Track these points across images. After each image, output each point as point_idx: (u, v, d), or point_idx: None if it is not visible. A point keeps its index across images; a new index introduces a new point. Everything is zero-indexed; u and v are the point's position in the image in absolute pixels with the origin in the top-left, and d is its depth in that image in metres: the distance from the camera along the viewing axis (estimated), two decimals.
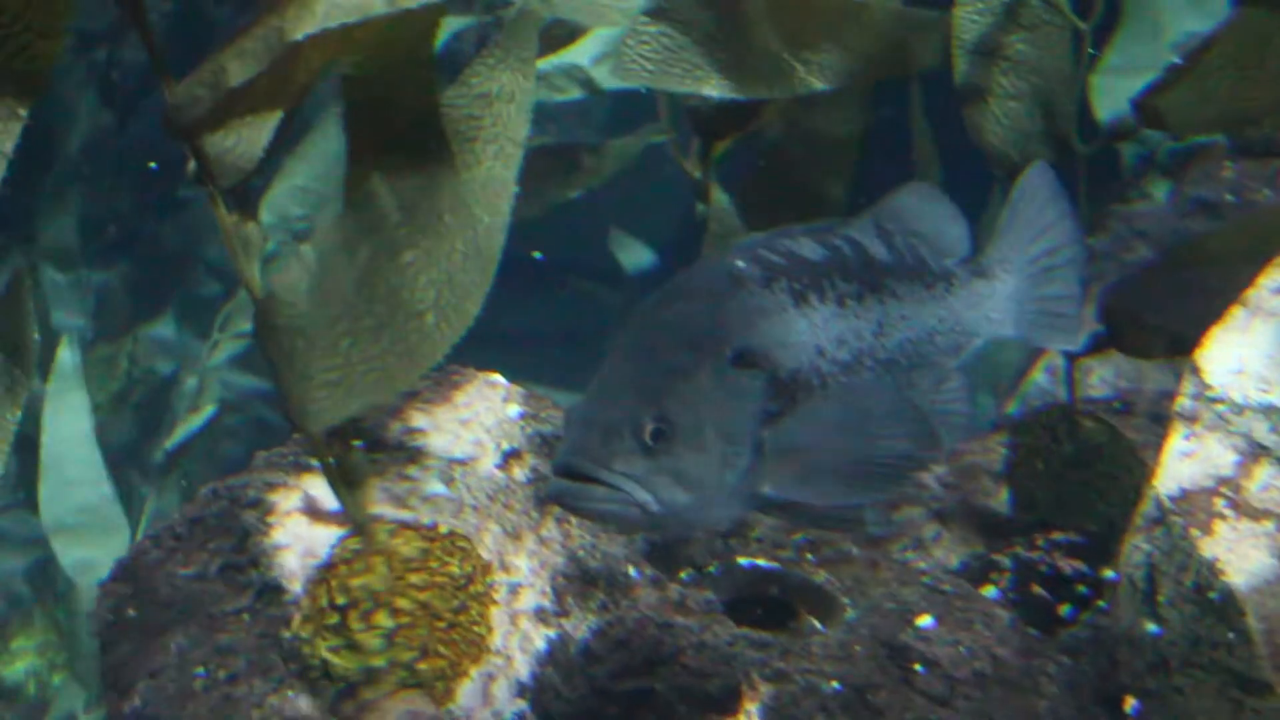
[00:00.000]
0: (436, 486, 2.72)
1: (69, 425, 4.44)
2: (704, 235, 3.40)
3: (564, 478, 1.97)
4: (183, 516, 2.66)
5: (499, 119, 2.45)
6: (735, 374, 2.06)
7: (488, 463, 2.78)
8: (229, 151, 2.27)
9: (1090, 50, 3.26)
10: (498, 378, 2.99)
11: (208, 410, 4.96)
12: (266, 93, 2.23)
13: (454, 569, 2.54)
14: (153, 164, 5.23)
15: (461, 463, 2.76)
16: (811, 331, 2.16)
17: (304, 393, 2.37)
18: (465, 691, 2.47)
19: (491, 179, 2.45)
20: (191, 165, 2.29)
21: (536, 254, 4.94)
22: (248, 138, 2.28)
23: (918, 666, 2.44)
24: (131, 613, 2.57)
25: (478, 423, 2.85)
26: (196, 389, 5.00)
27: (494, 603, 2.54)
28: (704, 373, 2.04)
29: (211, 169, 2.27)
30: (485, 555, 2.58)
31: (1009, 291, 2.44)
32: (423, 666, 2.47)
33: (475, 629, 2.51)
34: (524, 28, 2.46)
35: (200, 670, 2.48)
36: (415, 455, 2.77)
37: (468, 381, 2.94)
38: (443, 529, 2.59)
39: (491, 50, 2.44)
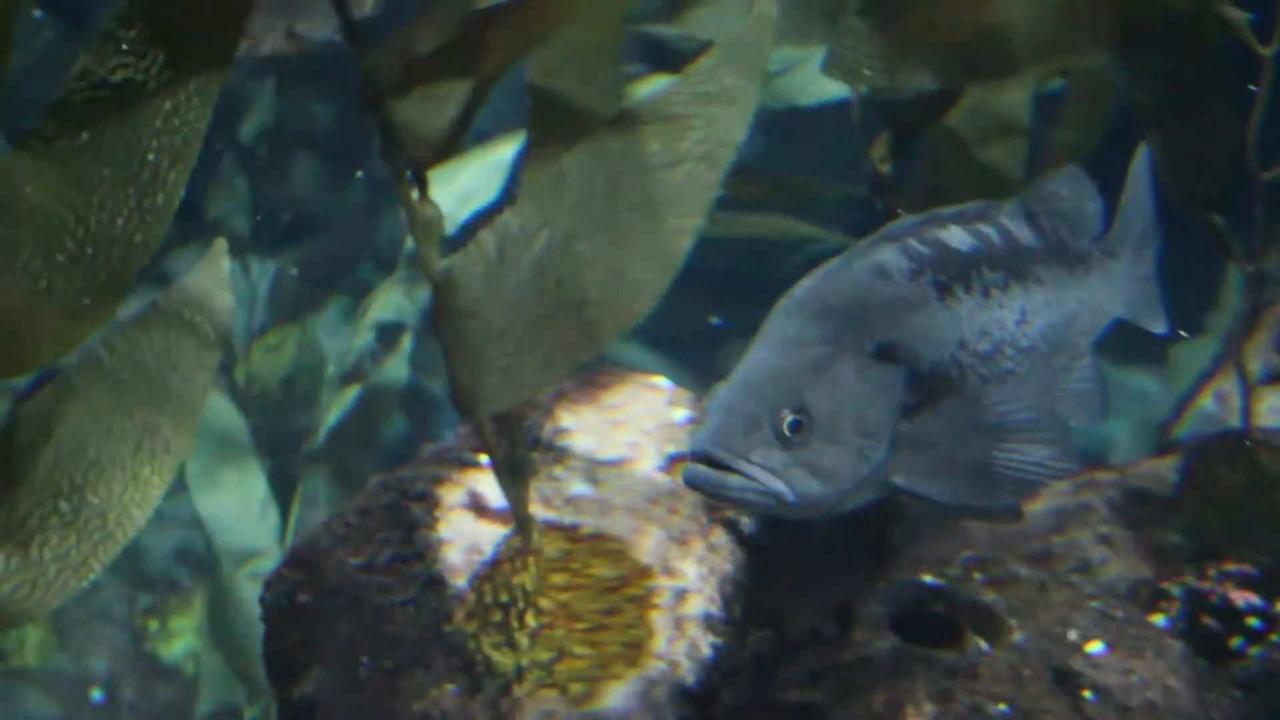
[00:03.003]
0: (581, 488, 2.72)
1: (218, 413, 4.52)
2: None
3: (701, 464, 2.00)
4: (354, 506, 2.69)
5: (713, 121, 2.44)
6: (876, 368, 2.07)
7: (645, 465, 2.77)
8: (416, 123, 2.29)
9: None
10: (660, 380, 2.98)
11: (352, 395, 5.01)
12: (454, 64, 2.25)
13: (599, 571, 2.54)
14: (328, 151, 5.31)
15: (611, 464, 2.76)
16: (954, 324, 2.16)
17: (474, 378, 2.39)
18: (614, 694, 2.46)
19: (691, 181, 2.44)
20: (379, 139, 2.31)
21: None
22: (435, 110, 2.29)
23: (1087, 693, 2.39)
24: (302, 599, 2.60)
25: (632, 424, 2.84)
26: (344, 376, 5.06)
27: (654, 607, 2.53)
28: (845, 366, 2.05)
29: (399, 139, 2.29)
30: (643, 558, 2.57)
31: (1126, 270, 2.45)
32: (560, 667, 2.47)
33: (631, 632, 2.50)
34: (758, 31, 2.44)
35: (366, 660, 2.51)
36: (561, 455, 2.77)
37: (618, 382, 2.94)
38: (586, 530, 2.59)
39: (717, 51, 2.43)
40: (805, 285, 2.17)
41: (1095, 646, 2.47)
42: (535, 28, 2.25)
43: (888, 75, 2.94)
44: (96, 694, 4.70)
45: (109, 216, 2.12)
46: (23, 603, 2.22)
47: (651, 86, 2.61)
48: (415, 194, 2.33)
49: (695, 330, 4.67)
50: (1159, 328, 2.56)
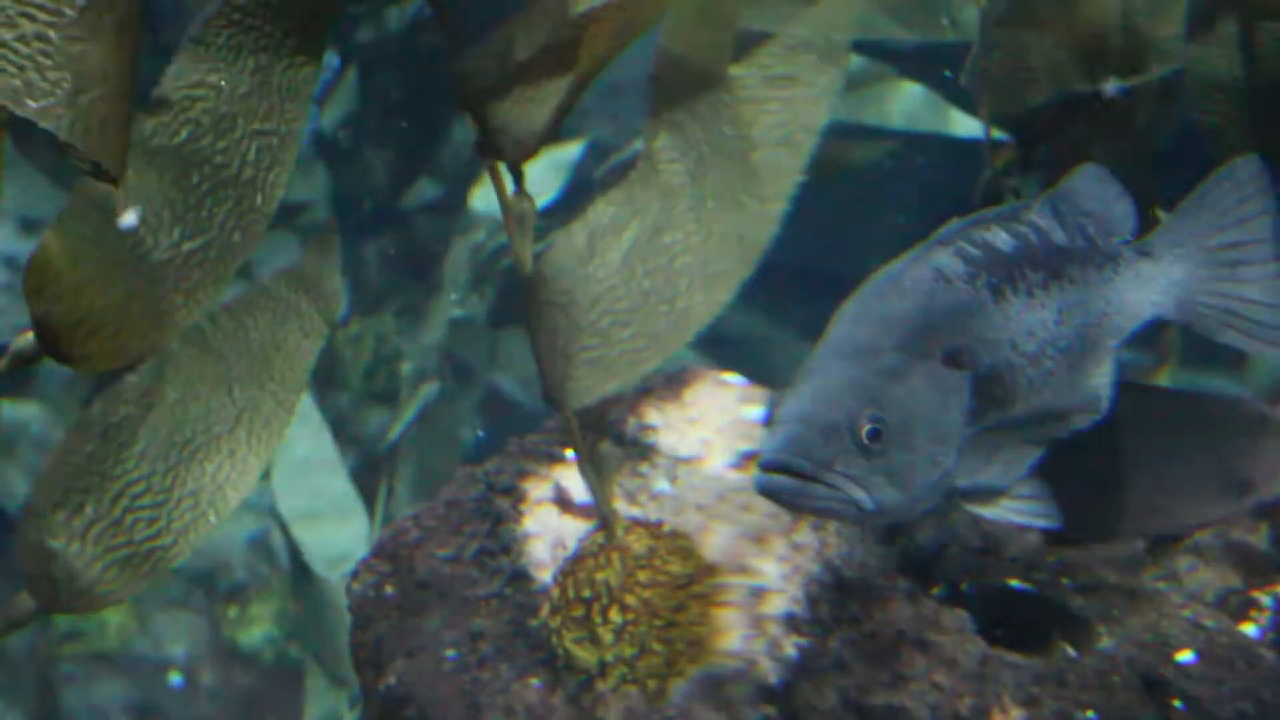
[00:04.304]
0: (663, 484, 2.72)
1: (304, 404, 4.54)
2: None
3: (778, 473, 1.99)
4: (441, 498, 2.71)
5: (790, 104, 2.43)
6: (945, 374, 2.07)
7: (717, 462, 2.77)
8: (513, 123, 2.30)
9: None
10: (732, 377, 2.97)
11: (429, 390, 5.03)
12: (552, 65, 2.26)
13: (674, 568, 2.54)
14: (406, 143, 5.33)
15: (687, 461, 2.76)
16: (1006, 326, 2.16)
17: (564, 370, 2.40)
18: (679, 691, 2.46)
19: (770, 166, 2.43)
20: (476, 138, 2.33)
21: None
22: (531, 112, 2.31)
23: (1177, 703, 2.36)
24: (389, 591, 2.61)
25: (706, 421, 2.84)
26: (421, 370, 5.08)
27: (718, 604, 2.53)
28: (916, 374, 2.05)
29: (495, 141, 2.31)
30: (709, 556, 2.57)
31: (1177, 276, 2.38)
32: (640, 664, 2.47)
33: (695, 629, 2.50)
34: (838, 11, 2.42)
35: (452, 653, 2.52)
36: (647, 452, 2.77)
37: (697, 379, 2.93)
38: (667, 527, 2.59)
39: (794, 32, 2.42)
40: (868, 290, 2.17)
41: (1185, 655, 2.44)
42: (635, 26, 2.25)
43: (1027, 85, 2.94)
44: (175, 678, 4.75)
45: (207, 215, 2.14)
46: (113, 583, 2.25)
47: None
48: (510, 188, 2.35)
49: (741, 331, 4.66)
50: (1266, 350, 2.51)
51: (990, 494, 2.17)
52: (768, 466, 2.01)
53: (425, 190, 5.43)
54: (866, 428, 1.99)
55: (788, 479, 1.99)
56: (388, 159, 5.39)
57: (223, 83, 2.11)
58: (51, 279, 2.12)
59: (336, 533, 4.48)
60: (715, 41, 2.41)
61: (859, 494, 1.99)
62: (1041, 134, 3.30)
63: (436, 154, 5.41)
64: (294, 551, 4.73)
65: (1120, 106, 3.28)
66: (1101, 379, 2.32)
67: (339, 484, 4.63)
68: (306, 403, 4.70)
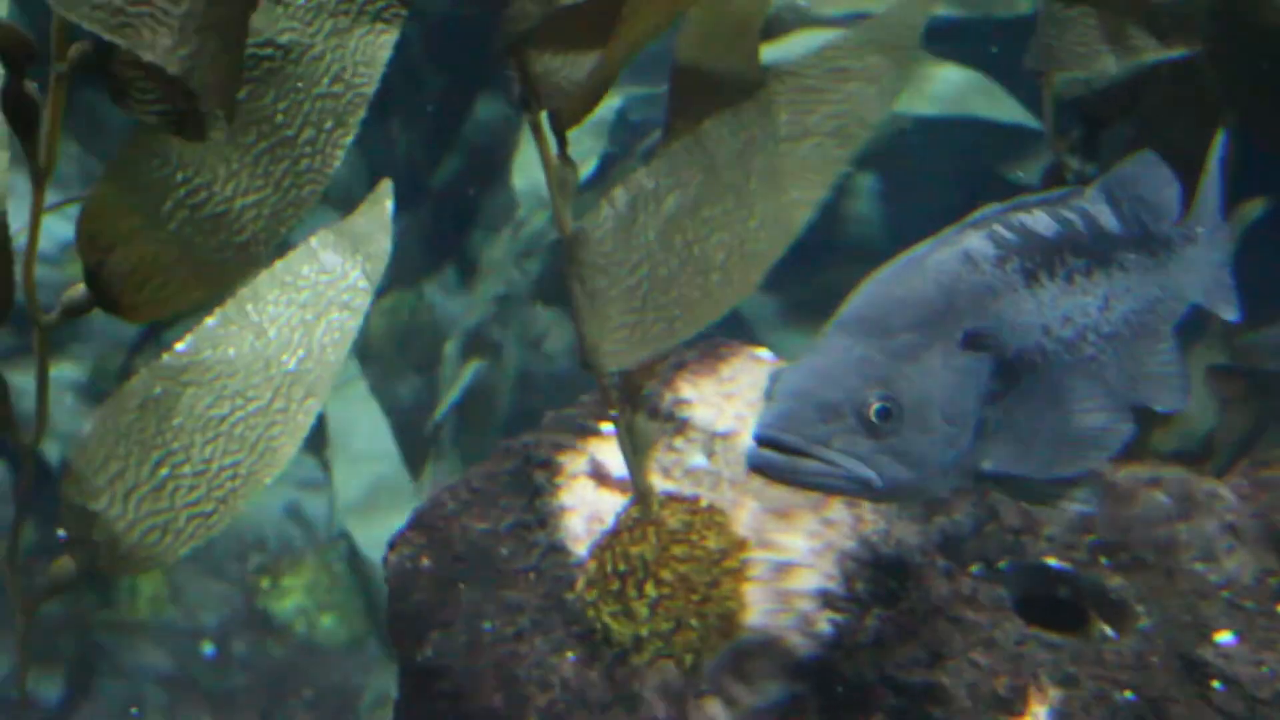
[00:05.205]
0: (699, 459, 2.72)
1: (351, 397, 4.54)
2: None
3: (770, 449, 1.99)
4: (478, 471, 2.71)
5: (850, 98, 2.43)
6: (964, 357, 2.07)
7: (749, 438, 2.76)
8: (554, 72, 2.30)
9: None
10: (765, 352, 2.97)
11: (473, 368, 5.03)
12: (595, 15, 2.25)
13: (710, 543, 2.53)
14: (436, 118, 5.32)
15: (723, 436, 2.75)
16: (1039, 311, 2.15)
17: (600, 334, 2.40)
18: (711, 666, 2.46)
19: (818, 155, 2.43)
20: (517, 88, 2.32)
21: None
22: (573, 61, 2.30)
23: (1216, 683, 2.35)
24: (426, 563, 2.61)
25: (740, 397, 2.83)
26: (465, 348, 5.08)
27: (748, 580, 2.52)
28: (933, 355, 2.05)
29: (536, 89, 2.30)
30: (740, 531, 2.56)
31: (1204, 255, 2.43)
32: (676, 638, 2.47)
33: (727, 604, 2.50)
34: (909, 13, 2.42)
35: (488, 625, 2.52)
36: (682, 427, 2.77)
37: (733, 355, 2.93)
38: (703, 502, 2.59)
39: (864, 29, 2.42)
40: (886, 272, 2.17)
41: (1224, 637, 2.43)
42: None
43: (1093, 60, 2.92)
44: (208, 648, 4.75)
45: (262, 173, 2.14)
46: (153, 548, 2.25)
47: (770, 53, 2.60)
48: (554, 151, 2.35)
49: (749, 309, 4.64)
50: (1232, 315, 2.53)
51: (1035, 489, 2.17)
52: (759, 441, 2.01)
53: (454, 164, 5.42)
54: (875, 406, 1.99)
55: (775, 454, 1.99)
56: (417, 134, 5.39)
57: (293, 41, 2.11)
58: (106, 227, 2.13)
59: (393, 522, 4.50)
60: (744, 23, 2.41)
61: (866, 472, 1.99)
62: (1112, 113, 3.28)
63: (465, 129, 5.41)
64: (348, 537, 4.75)
65: (1191, 77, 3.25)
66: (1162, 367, 2.31)
67: (395, 473, 4.65)
68: (363, 391, 4.70)
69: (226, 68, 1.90)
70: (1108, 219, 2.29)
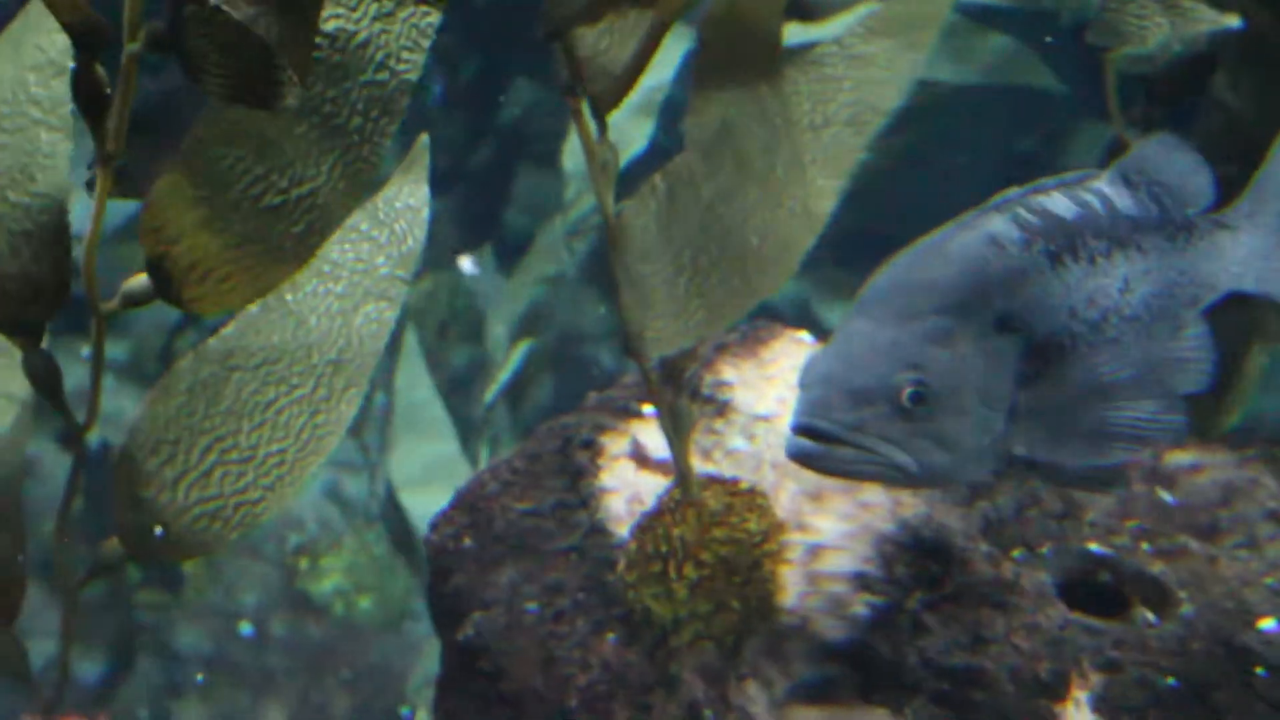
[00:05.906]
0: (739, 442, 2.72)
1: (409, 373, 4.56)
2: None
3: (806, 437, 1.99)
4: (521, 451, 2.71)
5: (864, 84, 2.43)
6: (996, 339, 2.07)
7: (789, 420, 2.76)
8: (600, 54, 2.30)
9: None
10: (805, 335, 2.97)
11: (520, 352, 5.04)
12: None
13: (751, 525, 2.53)
14: (470, 101, 5.32)
15: (764, 419, 2.75)
16: (1065, 293, 2.15)
17: (642, 319, 2.40)
18: (751, 648, 2.46)
19: (837, 143, 2.44)
20: (563, 71, 2.32)
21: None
22: (617, 42, 2.30)
23: (1260, 670, 2.34)
24: (467, 543, 2.62)
25: (781, 379, 2.84)
26: (513, 331, 5.09)
27: (785, 562, 2.53)
28: (965, 338, 2.05)
29: (581, 72, 2.30)
30: (780, 514, 2.57)
31: (1255, 245, 2.38)
32: (716, 620, 2.47)
33: (767, 586, 2.50)
34: (927, 2, 2.42)
35: (529, 605, 2.53)
36: (723, 409, 2.77)
37: (774, 338, 2.93)
38: (744, 485, 2.59)
39: (885, 13, 2.41)
40: (908, 256, 2.16)
41: (1268, 624, 2.42)
42: None
43: (1154, 33, 2.90)
44: (246, 628, 4.79)
45: (314, 163, 2.14)
46: (202, 534, 2.27)
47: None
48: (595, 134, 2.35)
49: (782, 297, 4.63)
50: None
51: (1071, 475, 2.16)
52: (796, 430, 2.02)
53: (486, 148, 5.43)
54: (908, 391, 1.99)
55: (812, 443, 2.00)
56: (453, 117, 5.40)
57: (338, 29, 2.11)
58: (170, 219, 2.13)
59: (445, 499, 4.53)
60: (769, 17, 2.40)
61: (901, 457, 1.99)
62: (1177, 90, 3.25)
63: (498, 113, 5.42)
64: (401, 516, 4.79)
65: (1261, 53, 3.22)
66: (1185, 351, 2.30)
67: (451, 452, 4.68)
68: (420, 369, 4.72)
69: (302, 22, 1.91)
70: (1124, 201, 2.28)
